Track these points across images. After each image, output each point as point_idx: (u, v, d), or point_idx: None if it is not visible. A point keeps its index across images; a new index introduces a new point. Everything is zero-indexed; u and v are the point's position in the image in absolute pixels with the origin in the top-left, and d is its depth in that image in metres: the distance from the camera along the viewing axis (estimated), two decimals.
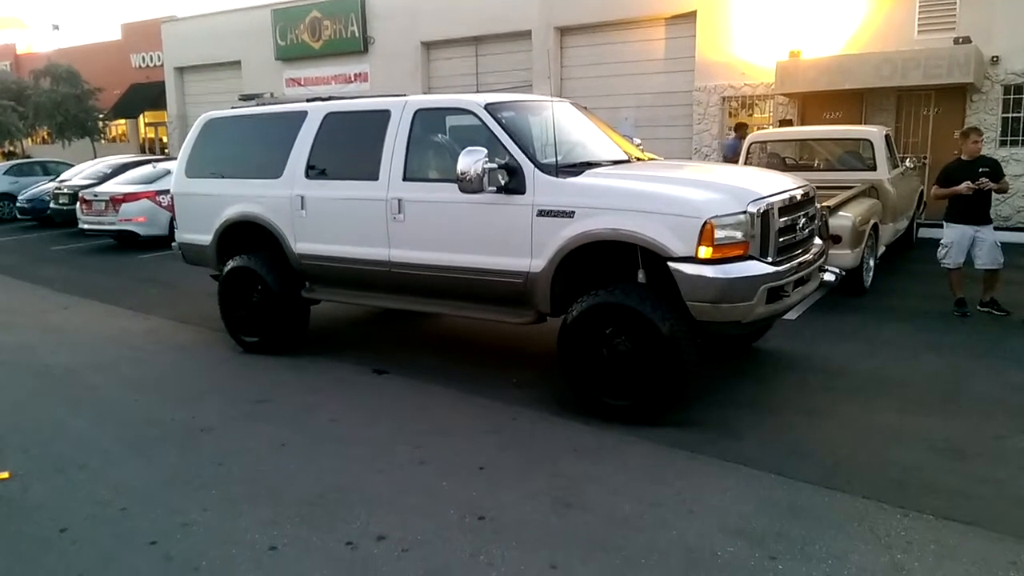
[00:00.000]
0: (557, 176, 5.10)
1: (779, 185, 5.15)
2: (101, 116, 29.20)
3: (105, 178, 15.30)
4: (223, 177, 6.86)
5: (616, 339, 4.83)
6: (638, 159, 6.11)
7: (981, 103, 12.81)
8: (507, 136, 5.31)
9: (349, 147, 6.21)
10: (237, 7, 22.35)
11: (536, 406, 5.19)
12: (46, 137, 31.90)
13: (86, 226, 13.66)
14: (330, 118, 6.26)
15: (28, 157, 27.61)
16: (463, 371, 6.03)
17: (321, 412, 5.18)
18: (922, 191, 11.19)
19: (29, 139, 32.81)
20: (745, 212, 4.61)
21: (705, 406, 5.08)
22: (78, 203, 13.87)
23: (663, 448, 4.48)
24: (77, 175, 16.94)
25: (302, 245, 6.32)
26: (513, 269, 5.24)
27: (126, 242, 13.58)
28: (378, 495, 3.96)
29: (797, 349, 6.33)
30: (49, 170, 20.26)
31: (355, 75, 19.83)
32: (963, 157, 7.42)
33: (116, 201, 13.19)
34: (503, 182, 5.15)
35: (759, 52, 14.62)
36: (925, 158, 12.65)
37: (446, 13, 18.04)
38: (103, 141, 30.01)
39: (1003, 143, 12.68)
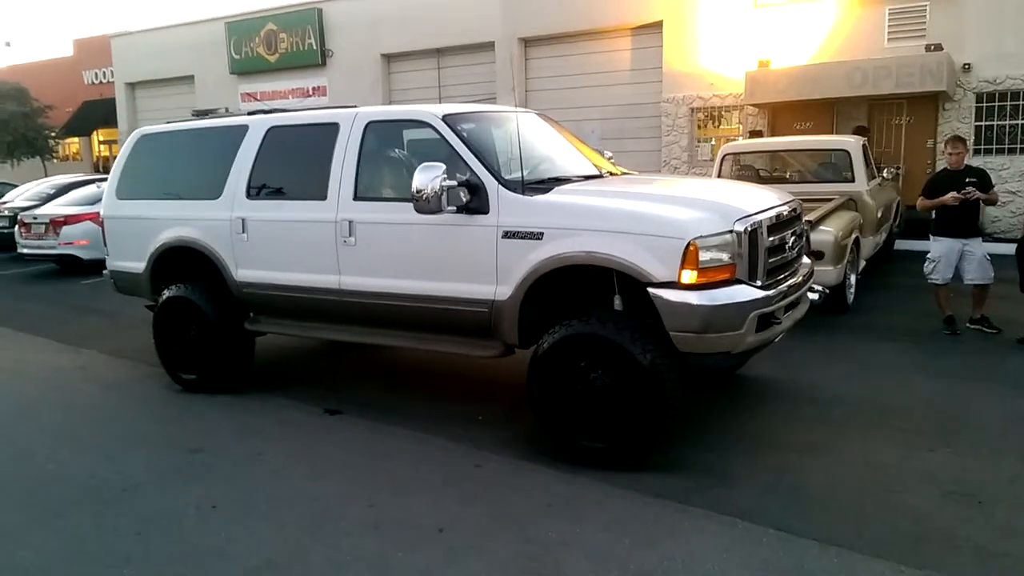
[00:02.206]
0: (523, 194, 4.61)
1: (765, 201, 4.70)
2: (52, 134, 28.23)
3: (48, 199, 14.48)
4: (157, 198, 6.25)
5: (592, 374, 4.33)
6: (610, 174, 5.64)
7: (953, 111, 12.62)
8: (468, 150, 4.81)
9: (294, 164, 5.66)
10: (190, 20, 21.62)
11: (503, 449, 4.66)
12: None
13: (26, 251, 12.87)
14: (273, 132, 5.70)
15: None
16: (425, 408, 5.47)
17: (262, 463, 4.59)
18: (899, 202, 10.91)
19: None
20: (732, 231, 4.14)
21: (690, 446, 4.59)
22: (17, 226, 13.06)
23: (648, 499, 3.97)
24: (19, 196, 16.06)
25: (244, 272, 5.73)
26: (476, 297, 4.72)
27: (69, 267, 12.79)
28: (321, 572, 3.39)
29: (783, 376, 5.89)
30: None
31: (313, 89, 19.22)
32: (948, 167, 7.08)
33: (57, 223, 12.42)
34: (464, 201, 4.65)
35: (727, 62, 14.34)
36: (899, 168, 12.39)
37: (407, 24, 17.54)
38: (55, 160, 29.00)
39: (976, 151, 12.46)
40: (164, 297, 6.08)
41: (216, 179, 5.83)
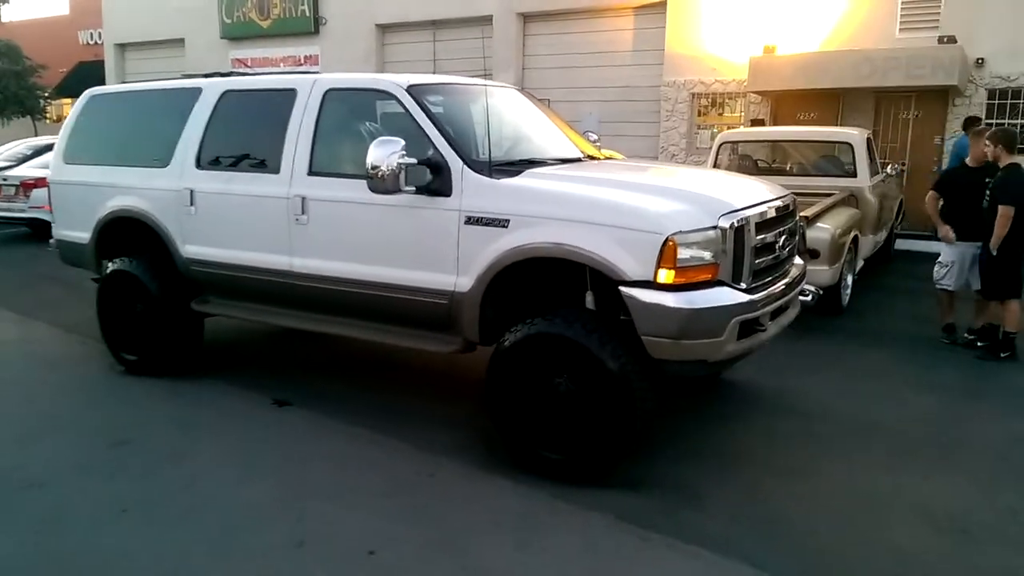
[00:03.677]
0: (490, 176, 4.16)
1: (755, 194, 4.26)
2: (45, 95, 27.63)
3: (24, 160, 13.98)
4: (105, 164, 5.78)
5: (555, 378, 3.91)
6: (592, 158, 5.19)
7: (964, 107, 12.11)
8: (432, 125, 4.36)
9: (248, 133, 5.21)
10: None
11: (459, 453, 4.26)
12: None
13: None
14: (228, 97, 5.24)
15: None
16: (381, 403, 5.06)
17: (189, 461, 4.18)
18: (902, 200, 10.46)
19: None
20: (716, 227, 3.71)
21: (659, 459, 4.19)
22: None
23: (608, 520, 3.57)
24: None
25: (191, 248, 5.29)
26: (435, 287, 4.29)
27: (41, 231, 12.29)
28: None
29: (768, 383, 5.47)
30: None
31: (305, 57, 18.64)
32: (968, 162, 6.54)
33: (27, 186, 11.93)
34: (425, 181, 4.21)
35: (732, 47, 13.81)
36: (904, 164, 11.93)
37: None
38: (47, 121, 28.37)
39: None
40: (107, 271, 5.64)
41: (165, 146, 5.37)
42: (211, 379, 5.50)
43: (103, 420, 4.78)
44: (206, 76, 5.53)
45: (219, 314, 5.43)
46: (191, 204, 5.21)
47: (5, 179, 12.28)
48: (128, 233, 5.66)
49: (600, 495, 3.79)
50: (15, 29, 30.33)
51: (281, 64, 18.70)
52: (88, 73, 26.42)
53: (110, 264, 5.64)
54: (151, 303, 5.41)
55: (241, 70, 5.76)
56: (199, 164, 5.22)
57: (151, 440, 4.44)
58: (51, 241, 6.39)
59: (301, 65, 18.44)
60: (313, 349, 6.32)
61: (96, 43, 26.76)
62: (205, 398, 5.15)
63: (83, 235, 5.88)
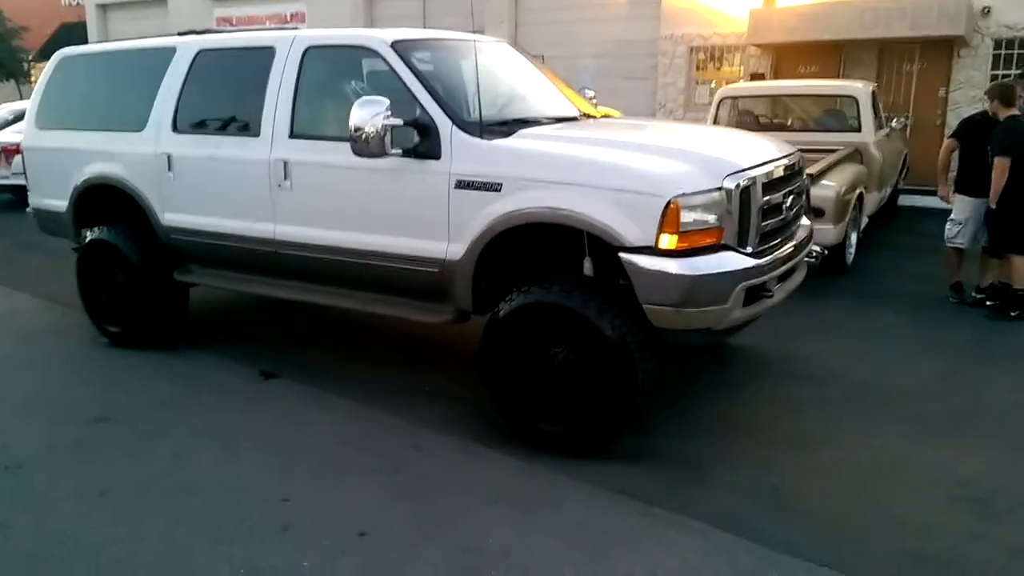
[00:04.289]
0: (482, 137, 3.93)
1: (761, 153, 4.04)
2: (28, 58, 27.03)
3: (6, 125, 13.62)
4: (80, 129, 5.52)
5: (553, 348, 3.73)
6: (588, 116, 4.95)
7: (969, 58, 11.79)
8: (418, 83, 4.11)
9: (226, 94, 4.96)
10: None
11: (451, 428, 4.10)
12: None
13: None
14: (203, 56, 4.97)
15: None
16: (369, 373, 4.90)
17: (172, 438, 4.01)
18: (906, 155, 10.20)
19: None
20: (720, 188, 3.50)
21: (662, 431, 4.03)
22: None
23: (608, 496, 3.43)
24: None
25: (171, 216, 5.07)
26: (425, 255, 4.09)
27: (26, 198, 12.00)
28: None
29: (773, 347, 5.30)
30: None
31: (291, 15, 18.11)
32: (990, 112, 6.07)
33: (9, 152, 11.59)
34: (413, 143, 3.98)
35: None
36: (907, 118, 11.64)
37: None
38: (31, 84, 27.79)
39: None
40: (86, 240, 5.42)
41: (140, 109, 5.12)
42: (197, 351, 5.32)
43: (85, 396, 4.61)
44: (180, 34, 5.25)
45: (201, 284, 5.23)
46: (169, 170, 4.98)
47: None
48: (106, 201, 5.43)
49: (601, 469, 3.64)
50: None
51: (267, 23, 18.17)
52: (71, 35, 25.74)
53: (88, 233, 5.42)
54: (132, 273, 5.20)
55: (218, 29, 5.45)
56: (176, 127, 4.97)
57: (134, 418, 4.27)
58: (28, 210, 6.15)
59: (287, 23, 17.93)
60: (303, 318, 6.12)
61: (79, 4, 26.07)
62: (191, 371, 4.98)
63: (60, 203, 5.65)
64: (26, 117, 6.07)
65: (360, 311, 4.54)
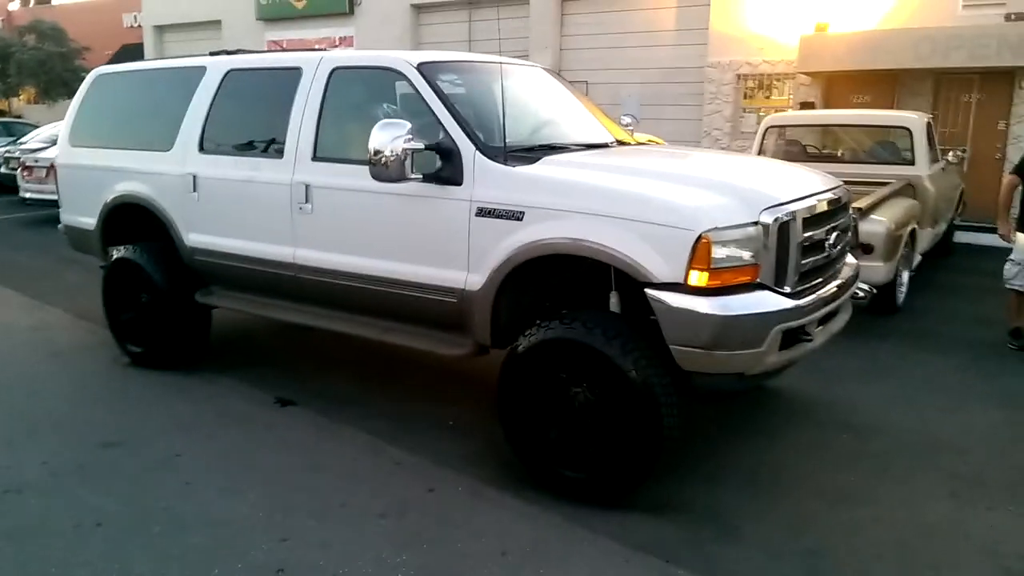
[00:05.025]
0: (505, 163, 3.76)
1: (803, 186, 3.79)
2: None
3: (56, 142, 13.96)
4: (111, 147, 5.52)
5: (574, 388, 3.52)
6: (622, 143, 4.75)
7: None
8: (442, 106, 3.97)
9: (252, 115, 4.90)
10: None
11: (467, 466, 3.90)
12: (31, 98, 30.62)
13: (28, 195, 12.36)
14: (232, 77, 4.92)
15: (19, 117, 26.35)
16: (390, 404, 4.73)
17: (177, 468, 3.88)
18: (963, 190, 9.75)
19: (18, 98, 31.57)
20: (757, 223, 3.27)
21: (690, 479, 3.77)
22: (19, 169, 12.55)
23: (625, 552, 3.18)
24: (33, 138, 15.59)
25: (195, 237, 5.00)
26: (443, 284, 3.92)
27: None
28: None
29: (815, 391, 4.99)
30: (13, 131, 18.90)
31: (340, 39, 18.34)
32: None
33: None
34: (435, 168, 3.83)
35: (780, 25, 13.07)
36: (964, 151, 11.17)
37: None
38: None
39: None
40: (112, 259, 5.39)
41: (169, 128, 5.08)
42: (217, 374, 5.22)
43: (98, 418, 4.52)
44: (212, 54, 5.22)
45: (222, 306, 5.14)
46: (194, 190, 4.91)
47: (36, 160, 12.23)
48: (134, 220, 5.41)
49: (620, 520, 3.40)
50: (64, 12, 30.73)
51: (316, 46, 18.42)
52: (132, 55, 26.52)
53: (114, 252, 5.39)
54: (156, 293, 5.14)
55: (251, 49, 5.42)
56: (202, 148, 4.91)
57: (143, 443, 4.16)
58: (59, 226, 6.17)
59: (336, 47, 18.14)
60: (327, 343, 5.99)
61: (140, 25, 26.89)
62: (207, 395, 4.87)
63: (89, 221, 5.65)
64: (60, 134, 6.10)
65: (377, 340, 4.38)
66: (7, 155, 14.64)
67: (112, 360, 5.49)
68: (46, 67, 26.86)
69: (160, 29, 23.18)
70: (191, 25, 21.79)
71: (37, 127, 17.90)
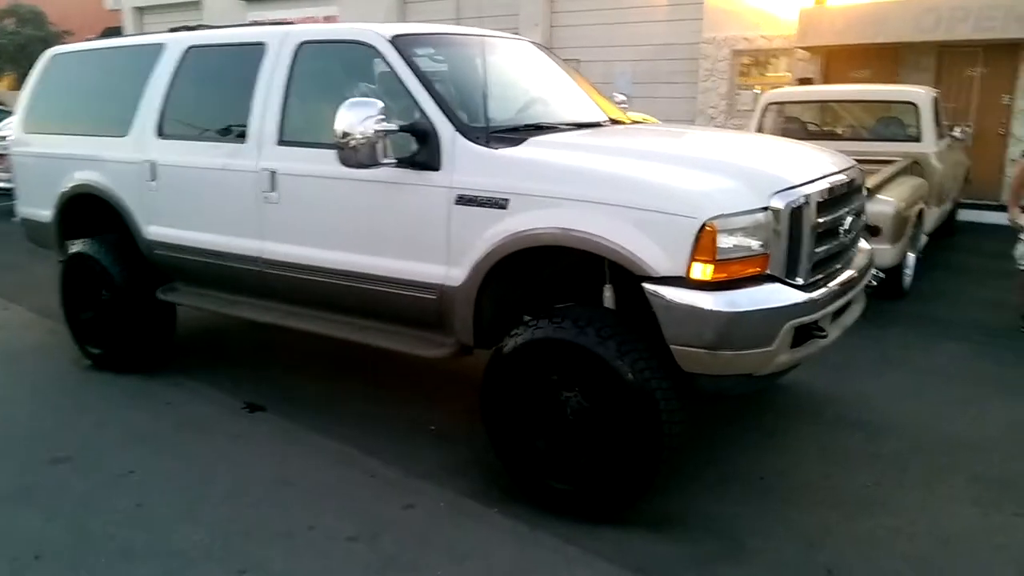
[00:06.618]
0: (487, 145, 3.40)
1: (816, 167, 3.45)
2: None
3: None
4: (66, 133, 5.13)
5: (565, 392, 3.19)
6: (616, 122, 4.39)
7: None
8: (417, 83, 3.60)
9: (213, 95, 4.51)
10: None
11: (448, 478, 3.57)
12: (11, 84, 30.00)
13: (1, 184, 11.91)
14: (192, 54, 4.53)
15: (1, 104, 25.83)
16: (367, 408, 4.39)
17: (132, 485, 3.53)
18: (969, 167, 9.42)
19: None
20: (766, 208, 2.93)
21: (692, 488, 3.46)
22: None
23: (625, 574, 2.87)
24: (10, 124, 15.09)
25: (154, 229, 4.64)
26: (421, 280, 3.57)
27: None
28: None
29: (822, 386, 4.66)
30: None
31: (324, 18, 17.80)
32: None
33: None
34: (410, 152, 3.47)
35: None
36: (968, 127, 10.82)
37: None
38: None
39: None
40: (69, 253, 5.02)
41: (125, 112, 4.70)
42: (182, 376, 4.87)
43: (51, 429, 4.17)
44: (172, 31, 4.83)
45: (186, 304, 4.78)
46: (152, 178, 4.54)
47: (6, 148, 11.76)
48: (92, 212, 5.03)
49: (615, 537, 3.09)
50: None
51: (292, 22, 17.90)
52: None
53: (71, 246, 5.01)
54: (115, 290, 4.78)
55: (213, 25, 5.02)
56: (160, 132, 4.54)
57: (95, 458, 3.81)
58: (14, 219, 5.79)
59: None
60: (301, 341, 5.57)
61: (120, 8, 26.25)
62: (171, 401, 4.52)
63: (45, 213, 5.27)
64: (15, 119, 5.70)
65: (352, 341, 4.02)
66: None
67: (72, 363, 5.13)
68: (26, 52, 26.21)
69: (140, 11, 22.63)
70: (171, 6, 21.26)
71: (12, 113, 17.40)
